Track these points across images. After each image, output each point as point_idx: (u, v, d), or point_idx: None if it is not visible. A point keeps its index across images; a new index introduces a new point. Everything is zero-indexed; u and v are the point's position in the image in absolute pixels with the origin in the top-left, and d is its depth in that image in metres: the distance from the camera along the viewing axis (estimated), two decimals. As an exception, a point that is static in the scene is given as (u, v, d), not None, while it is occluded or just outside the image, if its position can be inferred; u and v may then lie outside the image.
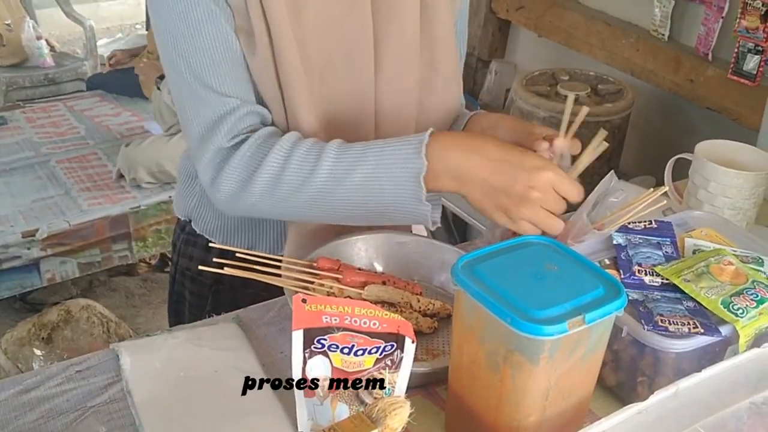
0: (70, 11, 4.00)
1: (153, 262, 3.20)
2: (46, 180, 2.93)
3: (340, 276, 0.97)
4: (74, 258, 2.74)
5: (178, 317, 1.27)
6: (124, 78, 3.47)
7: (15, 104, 3.48)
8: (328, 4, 0.97)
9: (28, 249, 2.64)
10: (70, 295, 2.84)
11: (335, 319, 0.73)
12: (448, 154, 0.88)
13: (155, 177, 2.81)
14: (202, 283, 1.20)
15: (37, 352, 1.99)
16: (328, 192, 0.91)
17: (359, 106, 1.03)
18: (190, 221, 1.20)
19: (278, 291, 1.01)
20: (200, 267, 0.93)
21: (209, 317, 1.00)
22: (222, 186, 0.94)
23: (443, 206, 1.11)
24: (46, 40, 3.90)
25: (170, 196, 2.77)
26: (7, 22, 3.80)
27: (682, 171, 1.30)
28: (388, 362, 0.75)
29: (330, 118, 1.03)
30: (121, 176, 2.87)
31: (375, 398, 0.74)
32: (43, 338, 2.05)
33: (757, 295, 0.85)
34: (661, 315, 0.83)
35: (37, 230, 2.63)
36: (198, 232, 1.17)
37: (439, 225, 0.96)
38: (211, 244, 1.02)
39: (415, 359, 0.77)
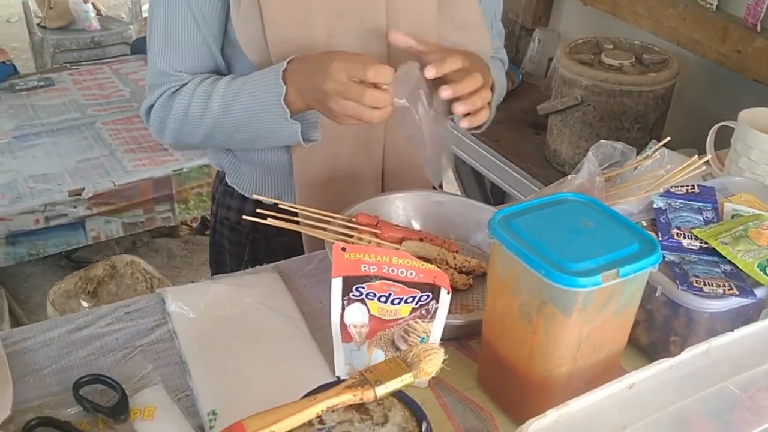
0: (117, -25, 4.05)
1: (194, 224, 3.27)
2: (91, 141, 3.00)
3: (378, 231, 0.99)
4: (118, 218, 2.81)
5: (219, 266, 1.31)
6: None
7: (62, 66, 3.54)
8: None
9: (74, 207, 2.71)
10: (113, 254, 2.92)
11: (373, 268, 0.75)
12: (296, 78, 0.97)
13: None
14: (240, 231, 1.24)
15: (84, 304, 2.06)
16: (221, 121, 1.04)
17: None
18: (225, 173, 1.23)
19: (312, 241, 1.05)
20: (245, 217, 0.96)
21: (249, 267, 1.03)
22: (152, 127, 1.13)
23: (481, 174, 1.12)
24: (93, 4, 3.95)
25: (212, 159, 2.82)
26: (55, -15, 3.87)
27: (723, 141, 1.28)
28: (424, 312, 0.77)
29: None
30: None
31: (410, 346, 0.76)
32: (89, 292, 2.12)
33: (795, 260, 0.85)
34: (697, 276, 0.83)
35: (83, 189, 2.70)
36: (230, 184, 1.21)
37: (317, 140, 1.05)
38: (254, 196, 1.06)
39: (450, 314, 0.79)
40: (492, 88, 1.10)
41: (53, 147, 2.93)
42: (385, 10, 1.03)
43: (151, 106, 1.11)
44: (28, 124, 3.05)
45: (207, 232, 3.28)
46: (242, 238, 1.24)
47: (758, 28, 2.25)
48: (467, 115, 0.97)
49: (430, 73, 0.92)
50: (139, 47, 3.67)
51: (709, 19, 2.40)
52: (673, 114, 2.52)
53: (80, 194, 2.68)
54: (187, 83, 1.08)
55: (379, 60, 0.95)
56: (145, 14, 4.09)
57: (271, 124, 1.02)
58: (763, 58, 2.22)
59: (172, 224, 3.02)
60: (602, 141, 1.03)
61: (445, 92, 0.92)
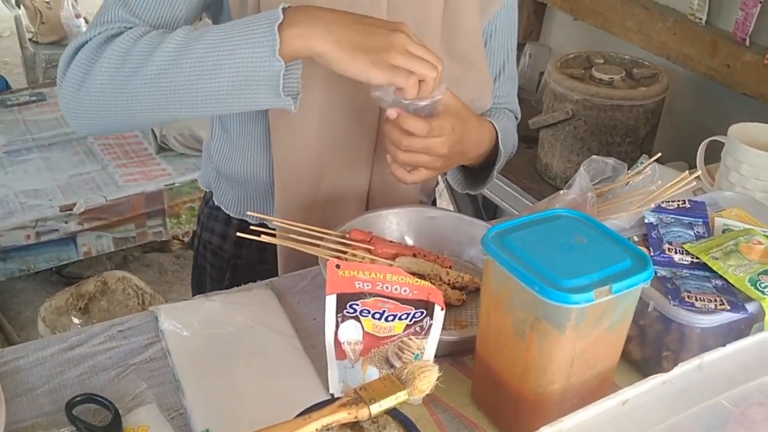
0: (110, -11, 4.06)
1: (185, 239, 3.26)
2: (83, 156, 3.00)
3: (371, 247, 1.00)
4: (110, 233, 2.80)
5: (199, 288, 1.31)
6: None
7: (54, 81, 3.53)
8: None
9: (66, 223, 2.70)
10: (104, 270, 2.91)
11: (368, 285, 0.75)
12: (309, 10, 0.84)
13: (185, 139, 2.86)
14: (222, 257, 1.23)
15: (75, 320, 2.05)
16: (176, 58, 0.84)
17: (366, 100, 0.98)
18: (212, 193, 1.23)
19: (295, 267, 1.04)
20: (239, 234, 0.95)
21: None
22: (69, 76, 0.88)
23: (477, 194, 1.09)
24: (85, 19, 3.96)
25: (203, 174, 2.83)
26: (47, 1, 3.86)
27: (713, 155, 1.29)
28: (418, 328, 0.78)
29: (330, 105, 1.02)
30: (154, 136, 2.91)
31: (404, 363, 0.76)
32: (80, 308, 2.11)
33: (786, 274, 0.86)
34: (689, 291, 0.84)
35: (74, 204, 2.69)
36: (216, 203, 1.21)
37: (296, 96, 0.88)
38: (248, 212, 1.04)
39: (444, 330, 0.79)
40: (497, 154, 1.10)
41: (45, 162, 2.93)
42: None
43: (81, 47, 0.88)
44: (20, 139, 3.05)
45: (198, 248, 3.29)
46: (224, 263, 1.24)
47: (747, 42, 2.27)
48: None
49: (393, 115, 0.90)
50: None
51: (699, 34, 2.42)
52: (663, 127, 2.53)
53: (71, 209, 2.68)
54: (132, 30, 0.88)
55: None
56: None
57: (249, 61, 0.82)
58: (753, 72, 2.24)
59: (163, 239, 3.01)
60: (594, 156, 1.04)
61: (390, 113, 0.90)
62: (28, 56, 3.80)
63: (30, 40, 3.83)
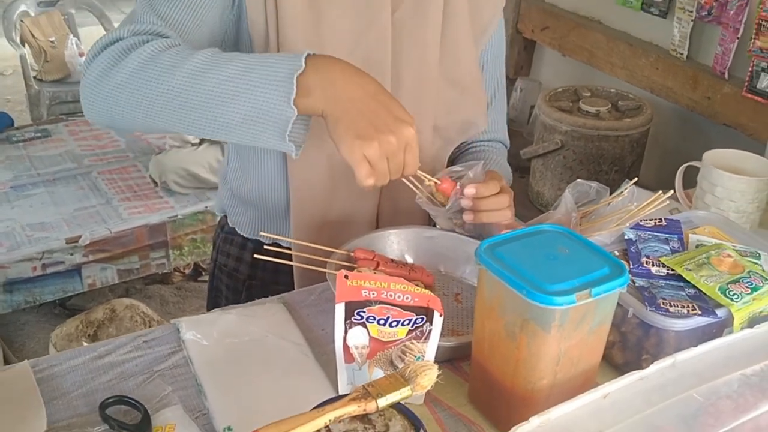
0: (111, 29, 4.17)
1: (187, 271, 3.33)
2: (88, 190, 3.07)
3: (376, 264, 1.08)
4: (114, 264, 2.87)
5: None
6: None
7: (58, 117, 3.64)
8: (350, 16, 1.06)
9: (71, 255, 2.77)
10: (107, 301, 2.97)
11: (373, 293, 0.84)
12: (329, 69, 0.88)
13: (185, 180, 2.95)
14: (237, 278, 1.30)
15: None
16: (197, 77, 0.88)
17: None
18: (227, 216, 1.31)
19: (309, 282, 1.12)
20: (256, 255, 1.03)
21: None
22: (96, 64, 0.92)
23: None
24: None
25: (206, 207, 2.91)
26: (51, 39, 3.98)
27: (694, 180, 1.38)
28: (419, 333, 0.86)
29: None
30: (155, 183, 3.02)
31: (407, 364, 0.84)
32: (89, 335, 2.18)
33: (752, 284, 0.94)
34: (664, 299, 0.92)
35: (80, 237, 2.76)
36: (231, 225, 1.28)
37: (299, 145, 0.91)
38: (261, 233, 1.12)
39: (443, 337, 0.87)
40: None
41: (50, 196, 3.00)
42: (390, 59, 1.10)
43: (112, 42, 0.93)
44: (26, 174, 3.12)
45: (200, 279, 3.35)
46: (239, 284, 1.30)
47: (726, 75, 2.39)
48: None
49: (470, 192, 1.05)
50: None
51: (680, 68, 2.54)
52: (649, 156, 2.64)
53: (77, 241, 2.74)
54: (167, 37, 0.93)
55: None
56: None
57: (264, 101, 0.86)
58: (732, 104, 2.35)
59: (166, 271, 3.08)
60: (578, 180, 1.13)
61: (469, 190, 1.06)
62: (33, 94, 3.90)
63: (34, 78, 3.93)
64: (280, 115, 0.87)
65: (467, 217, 1.08)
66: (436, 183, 1.09)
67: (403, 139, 0.89)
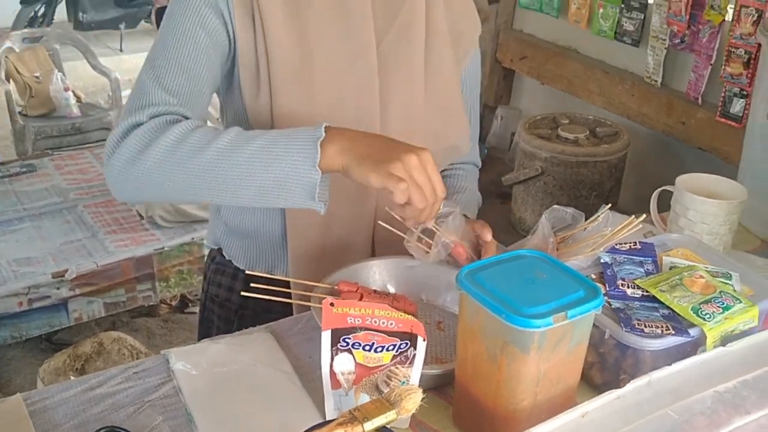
0: (96, 64, 4.21)
1: (174, 303, 3.32)
2: (74, 224, 3.07)
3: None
4: (101, 298, 2.86)
5: None
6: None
7: (44, 152, 3.65)
8: (338, 52, 1.11)
9: (58, 289, 2.76)
10: (94, 335, 2.97)
11: (358, 320, 0.86)
12: (342, 136, 0.98)
13: (171, 215, 2.96)
14: (229, 308, 1.32)
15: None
16: (225, 156, 0.97)
17: None
18: (220, 249, 1.33)
19: (301, 307, 1.15)
20: (243, 293, 1.05)
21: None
22: (120, 154, 1.00)
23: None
24: (73, 92, 4.09)
25: (193, 238, 2.92)
26: (36, 75, 4.01)
27: (669, 204, 1.42)
28: (403, 358, 0.88)
29: None
30: (141, 217, 3.03)
31: (392, 389, 0.86)
32: (77, 369, 2.18)
33: (724, 303, 0.98)
34: (639, 320, 0.96)
35: (66, 271, 2.76)
36: (227, 258, 1.31)
37: (326, 203, 1.00)
38: (247, 271, 1.14)
39: (427, 365, 0.89)
40: None
41: (36, 231, 3.00)
42: (379, 100, 1.14)
43: (133, 127, 1.01)
44: (11, 209, 3.12)
45: (186, 311, 3.35)
46: (231, 314, 1.32)
47: (700, 101, 2.46)
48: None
49: (488, 237, 1.11)
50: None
51: (655, 95, 2.61)
52: (627, 181, 2.69)
53: (63, 276, 2.74)
54: (185, 121, 1.02)
55: None
56: (124, 101, 4.27)
57: (291, 169, 0.96)
58: (706, 128, 2.42)
59: (152, 303, 3.08)
60: (555, 206, 1.16)
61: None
62: (18, 129, 3.91)
63: (19, 113, 3.95)
64: (308, 180, 0.97)
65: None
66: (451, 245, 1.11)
67: (423, 156, 0.96)
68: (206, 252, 1.40)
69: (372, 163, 0.96)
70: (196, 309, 3.30)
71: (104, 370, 0.99)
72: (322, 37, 1.10)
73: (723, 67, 2.29)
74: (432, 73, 1.19)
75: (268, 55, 1.08)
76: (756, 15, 2.14)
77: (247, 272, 1.16)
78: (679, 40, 2.52)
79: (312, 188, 0.97)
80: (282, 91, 1.09)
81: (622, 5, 2.70)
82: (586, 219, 1.18)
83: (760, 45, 2.09)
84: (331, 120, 1.10)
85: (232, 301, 1.31)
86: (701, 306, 0.97)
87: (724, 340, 0.95)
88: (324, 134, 0.97)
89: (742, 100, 2.24)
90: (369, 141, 0.99)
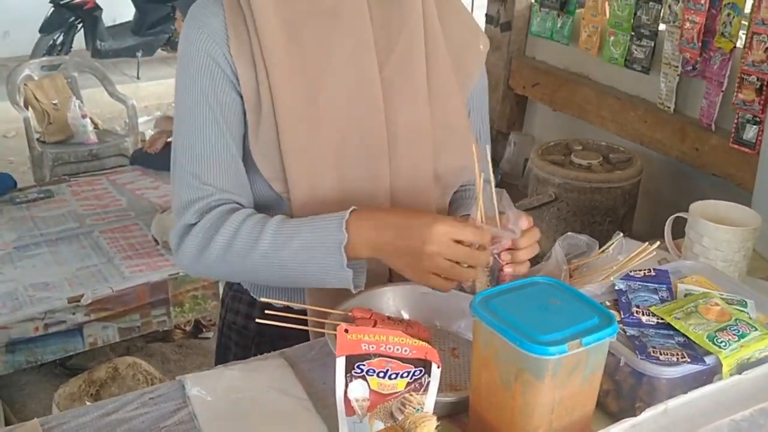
0: (114, 91, 4.28)
1: (188, 328, 3.34)
2: (90, 249, 3.09)
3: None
4: (115, 323, 2.87)
5: None
6: (163, 154, 3.69)
7: (61, 178, 3.69)
8: (342, 85, 1.12)
9: (73, 314, 2.77)
10: (109, 360, 2.98)
11: (372, 347, 0.87)
12: (362, 229, 1.05)
13: None
14: (247, 335, 1.33)
15: (87, 406, 2.11)
16: (270, 258, 1.08)
17: (374, 181, 1.16)
18: None
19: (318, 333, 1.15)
20: (258, 320, 1.06)
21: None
22: (184, 252, 1.13)
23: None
24: (90, 119, 4.15)
25: (207, 263, 2.93)
26: (54, 102, 4.07)
27: (684, 230, 1.42)
28: (417, 385, 0.88)
29: (345, 189, 1.16)
30: (156, 242, 3.05)
31: (406, 416, 0.86)
32: (91, 394, 2.19)
33: (739, 331, 0.97)
34: (654, 347, 0.95)
35: (82, 296, 2.77)
36: (244, 287, 1.32)
37: (362, 288, 1.11)
38: (262, 299, 1.15)
39: (441, 392, 0.89)
40: None
41: (53, 256, 3.02)
42: (385, 127, 1.15)
43: (190, 226, 1.12)
44: (29, 234, 3.15)
45: (200, 336, 3.36)
46: (248, 342, 1.32)
47: (713, 127, 2.46)
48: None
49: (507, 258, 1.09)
50: (136, 159, 3.83)
51: (668, 121, 2.61)
52: (641, 207, 2.69)
53: (79, 301, 2.76)
54: (234, 212, 1.11)
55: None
56: (140, 127, 4.33)
57: (324, 268, 1.07)
58: (720, 155, 2.41)
59: (167, 328, 3.08)
60: (569, 234, 1.17)
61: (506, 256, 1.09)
62: (36, 155, 3.96)
63: (37, 140, 4.00)
64: (340, 276, 1.07)
65: (509, 270, 1.11)
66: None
67: (437, 236, 1.00)
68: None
69: (401, 258, 1.04)
70: (210, 334, 3.33)
71: (120, 396, 1.00)
72: (324, 72, 1.12)
73: (735, 93, 2.30)
74: (436, 96, 1.20)
75: (272, 97, 1.10)
76: (768, 42, 2.15)
77: (261, 299, 1.16)
78: (691, 67, 2.53)
79: (346, 283, 1.07)
80: (289, 130, 1.11)
81: (633, 33, 2.71)
82: (600, 246, 1.18)
83: (773, 72, 2.10)
84: (339, 149, 1.12)
85: (250, 328, 1.32)
86: (717, 334, 0.97)
87: (740, 368, 0.95)
88: (346, 236, 1.04)
89: (755, 126, 2.24)
90: (387, 237, 1.04)
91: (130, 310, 2.89)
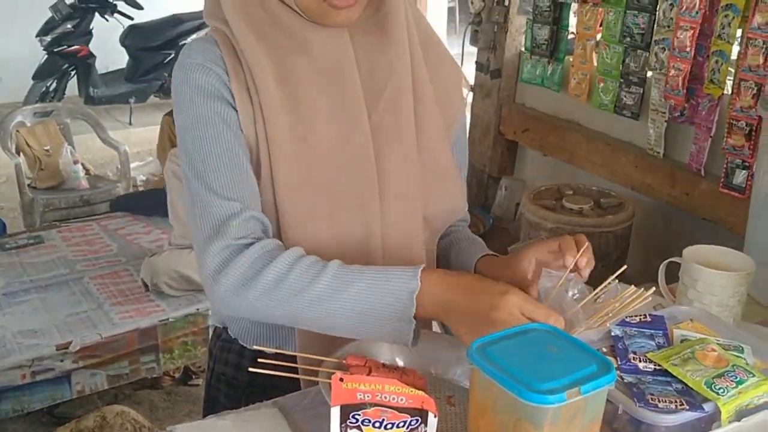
0: (106, 137, 4.29)
1: (177, 375, 3.29)
2: (79, 295, 3.06)
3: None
4: (104, 370, 2.83)
5: None
6: (151, 198, 3.69)
7: (51, 224, 3.68)
8: (333, 128, 1.13)
9: (61, 361, 2.74)
10: (97, 409, 2.92)
11: (368, 396, 0.85)
12: (433, 285, 1.02)
13: (177, 282, 2.96)
14: (237, 386, 1.30)
15: (74, 456, 2.07)
16: (325, 300, 1.03)
17: (366, 227, 1.17)
18: (226, 328, 1.31)
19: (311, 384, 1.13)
20: (250, 369, 1.04)
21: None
22: (225, 279, 1.04)
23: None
24: (82, 164, 4.15)
25: (197, 309, 2.90)
26: (46, 148, 4.08)
27: (677, 274, 1.42)
28: (414, 435, 0.87)
29: (339, 235, 1.15)
30: (146, 287, 3.03)
31: (403, 467, 0.85)
32: (78, 444, 2.14)
33: (737, 377, 0.97)
34: (652, 394, 0.95)
35: (70, 343, 2.74)
36: (233, 336, 1.30)
37: (416, 346, 1.06)
38: (254, 346, 1.12)
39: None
40: None
41: (42, 303, 2.99)
42: (374, 161, 1.16)
43: (227, 248, 1.05)
44: (18, 281, 3.13)
45: (190, 383, 3.31)
46: (239, 392, 1.30)
47: (702, 172, 2.48)
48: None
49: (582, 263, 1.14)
50: (120, 205, 3.82)
51: (658, 166, 2.64)
52: (633, 251, 2.69)
53: (67, 348, 2.72)
54: (283, 249, 1.06)
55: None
56: (132, 173, 4.33)
57: (386, 316, 1.02)
58: (709, 199, 2.43)
59: (155, 375, 3.04)
60: (544, 269, 1.16)
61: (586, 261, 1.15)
62: (27, 201, 3.95)
63: (28, 185, 3.99)
64: (402, 328, 1.03)
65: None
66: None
67: (506, 305, 0.96)
68: (210, 323, 1.39)
69: (467, 323, 0.99)
70: (200, 381, 3.28)
71: (110, 447, 0.98)
72: (316, 115, 1.13)
73: (725, 138, 2.32)
74: (424, 140, 1.21)
75: (267, 133, 1.11)
76: (756, 88, 2.18)
77: (252, 347, 1.14)
78: (678, 113, 2.56)
79: (406, 336, 1.03)
80: (281, 168, 1.12)
81: (622, 80, 2.76)
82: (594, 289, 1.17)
83: (761, 118, 2.13)
84: (331, 190, 1.13)
85: (239, 379, 1.29)
86: (714, 380, 0.96)
87: (739, 415, 0.94)
88: (420, 285, 1.01)
89: (744, 171, 2.26)
90: (457, 297, 1.00)
91: (119, 356, 2.85)
